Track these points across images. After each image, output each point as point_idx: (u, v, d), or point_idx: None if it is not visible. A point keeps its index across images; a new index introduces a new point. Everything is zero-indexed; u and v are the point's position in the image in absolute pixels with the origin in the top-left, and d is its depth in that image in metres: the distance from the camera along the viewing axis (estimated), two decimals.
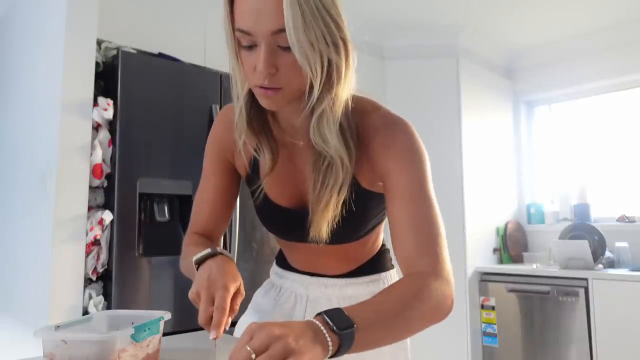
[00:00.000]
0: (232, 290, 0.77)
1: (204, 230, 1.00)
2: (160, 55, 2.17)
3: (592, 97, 3.66)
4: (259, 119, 0.88)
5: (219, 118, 0.99)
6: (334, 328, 0.60)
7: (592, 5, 3.09)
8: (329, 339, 0.59)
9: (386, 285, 1.03)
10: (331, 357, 0.61)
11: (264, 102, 0.79)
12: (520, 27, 3.42)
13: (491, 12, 3.18)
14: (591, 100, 3.68)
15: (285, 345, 0.55)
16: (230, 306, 0.76)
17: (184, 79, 2.14)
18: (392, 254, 1.09)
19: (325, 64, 0.75)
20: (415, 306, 0.70)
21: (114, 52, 2.02)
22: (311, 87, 0.76)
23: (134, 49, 2.10)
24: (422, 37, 3.42)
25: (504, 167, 3.77)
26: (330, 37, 0.74)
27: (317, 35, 0.72)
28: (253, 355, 0.55)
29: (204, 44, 2.37)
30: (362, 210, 0.89)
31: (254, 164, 0.95)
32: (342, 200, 0.83)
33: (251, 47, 0.75)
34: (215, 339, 0.73)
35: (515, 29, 3.45)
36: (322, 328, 0.60)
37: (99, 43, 2.02)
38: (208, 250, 0.84)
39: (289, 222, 0.95)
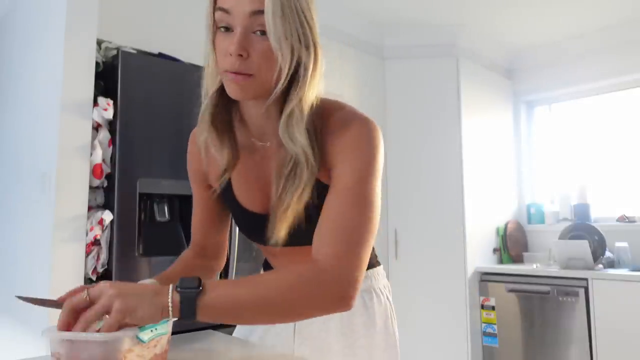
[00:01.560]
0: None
1: (198, 241, 1.08)
2: (160, 55, 2.17)
3: (592, 97, 3.66)
4: (223, 119, 0.88)
5: (190, 143, 1.02)
6: (178, 288, 0.70)
7: (592, 5, 3.10)
8: (170, 297, 0.69)
9: (373, 282, 1.04)
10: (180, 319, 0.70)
11: (232, 88, 0.79)
12: (520, 27, 3.42)
13: (491, 12, 3.18)
14: (591, 100, 3.68)
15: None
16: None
17: (184, 79, 2.13)
18: (376, 251, 1.08)
19: (295, 58, 0.77)
20: (281, 291, 0.74)
21: (114, 52, 2.02)
22: (278, 80, 0.78)
23: (134, 49, 2.10)
24: (422, 37, 3.42)
25: (504, 167, 3.77)
26: (303, 37, 0.77)
27: (291, 29, 0.76)
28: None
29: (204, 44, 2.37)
30: None
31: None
32: (305, 200, 0.82)
33: (228, 29, 0.78)
34: None
35: (515, 29, 3.45)
36: (169, 289, 0.70)
37: (99, 43, 2.02)
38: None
39: (254, 224, 0.94)
